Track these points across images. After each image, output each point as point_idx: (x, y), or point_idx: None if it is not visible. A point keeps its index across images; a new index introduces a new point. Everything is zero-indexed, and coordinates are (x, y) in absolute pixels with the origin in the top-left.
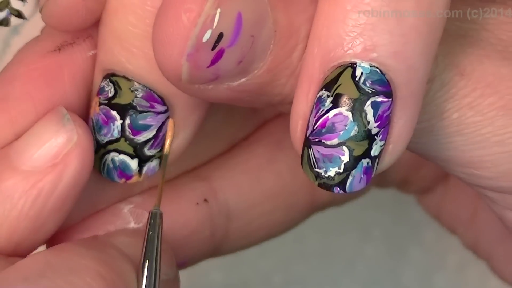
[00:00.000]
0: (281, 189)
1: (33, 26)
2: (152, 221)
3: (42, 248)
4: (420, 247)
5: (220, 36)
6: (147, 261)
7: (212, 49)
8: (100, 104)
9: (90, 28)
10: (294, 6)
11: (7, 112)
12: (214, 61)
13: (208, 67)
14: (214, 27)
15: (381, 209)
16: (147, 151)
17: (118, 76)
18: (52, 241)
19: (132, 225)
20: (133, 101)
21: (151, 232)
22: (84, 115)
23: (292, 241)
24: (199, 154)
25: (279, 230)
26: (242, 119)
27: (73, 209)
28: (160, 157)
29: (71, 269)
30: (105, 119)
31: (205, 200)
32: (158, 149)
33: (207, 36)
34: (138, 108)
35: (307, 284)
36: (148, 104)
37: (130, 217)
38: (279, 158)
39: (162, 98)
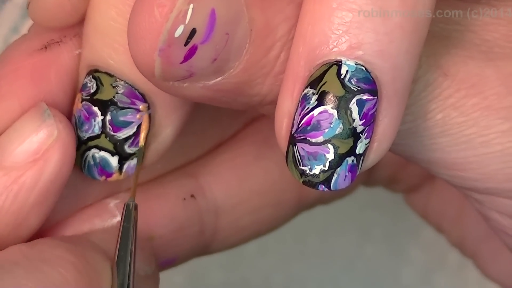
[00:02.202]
0: (269, 186)
1: None
2: (127, 212)
3: None
4: (420, 247)
5: (193, 32)
6: (122, 251)
7: (185, 45)
8: (83, 100)
9: (77, 27)
10: (271, 6)
11: None
12: (187, 58)
13: (181, 63)
14: (186, 22)
15: (381, 209)
16: (128, 149)
17: (100, 72)
18: (38, 236)
19: (118, 218)
20: (114, 97)
21: (125, 223)
22: (71, 114)
23: (292, 241)
24: (187, 152)
25: (268, 228)
26: (230, 116)
27: (59, 205)
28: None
29: (44, 259)
30: (87, 115)
31: (192, 196)
32: (139, 147)
33: (179, 31)
34: (119, 104)
35: (307, 283)
36: (129, 101)
37: (116, 211)
38: (267, 155)
39: (143, 95)
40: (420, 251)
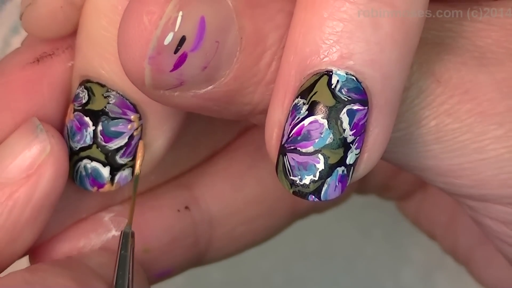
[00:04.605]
0: (263, 195)
1: None
2: (124, 240)
3: (25, 259)
4: (420, 247)
5: (183, 39)
6: (120, 280)
7: (175, 53)
8: (75, 110)
9: (70, 39)
10: (261, 14)
11: None
12: (177, 65)
13: (171, 71)
14: (176, 29)
15: (381, 209)
16: (119, 159)
17: (92, 82)
18: (34, 251)
19: (113, 232)
20: (105, 107)
21: (122, 251)
22: (64, 126)
23: (292, 241)
24: (180, 163)
25: (262, 237)
26: (223, 127)
27: (54, 219)
28: (132, 166)
29: (47, 286)
30: (79, 125)
31: (187, 207)
32: (130, 158)
33: (169, 38)
34: (110, 114)
35: (307, 283)
36: (120, 111)
37: (111, 225)
38: (260, 164)
39: (134, 105)
40: (420, 251)
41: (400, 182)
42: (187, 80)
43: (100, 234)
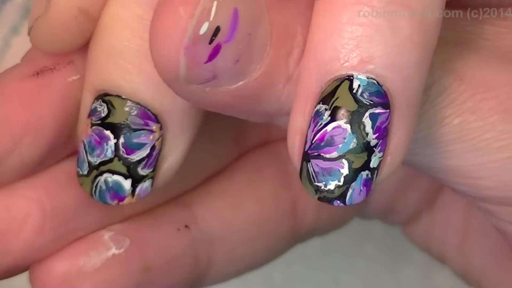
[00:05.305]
0: (263, 216)
1: None
2: None
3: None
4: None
5: (217, 30)
6: None
7: (210, 43)
8: (92, 125)
9: (72, 54)
10: (290, 9)
11: None
12: (211, 57)
13: (205, 62)
14: (211, 19)
15: None
16: (141, 171)
17: (111, 95)
18: (33, 268)
19: (114, 251)
20: (127, 119)
21: None
22: (60, 141)
23: None
24: (180, 184)
25: (263, 260)
26: (224, 148)
27: (52, 236)
28: (152, 178)
29: None
30: (98, 139)
31: (186, 226)
32: (151, 169)
33: (204, 28)
34: (132, 126)
35: (307, 282)
36: (142, 122)
37: (111, 243)
38: (260, 184)
39: (155, 116)
40: (420, 251)
41: (406, 203)
42: (220, 74)
43: (100, 252)
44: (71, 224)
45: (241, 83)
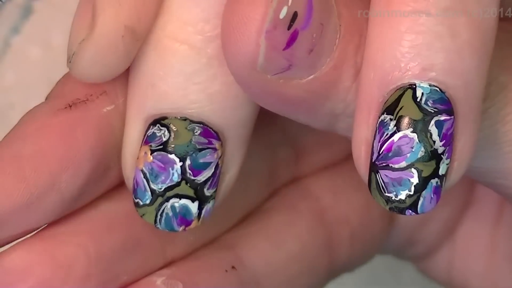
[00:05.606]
0: (303, 253)
1: (33, 26)
2: None
3: None
4: None
5: (295, 15)
6: None
7: (288, 29)
8: (152, 151)
9: (105, 85)
10: (356, 3)
11: (21, 169)
12: (289, 43)
13: (284, 49)
14: (289, 4)
15: None
16: (206, 191)
17: (169, 118)
18: None
19: None
20: (191, 140)
21: None
22: (97, 174)
23: None
24: (216, 225)
25: None
26: (257, 188)
27: (97, 283)
28: (214, 198)
29: None
30: (162, 165)
31: (233, 267)
32: (215, 188)
33: (283, 12)
34: (197, 146)
35: None
36: (206, 141)
37: None
38: (297, 222)
39: (217, 133)
40: None
41: (426, 235)
42: (295, 63)
43: None
44: (116, 269)
45: (311, 76)
